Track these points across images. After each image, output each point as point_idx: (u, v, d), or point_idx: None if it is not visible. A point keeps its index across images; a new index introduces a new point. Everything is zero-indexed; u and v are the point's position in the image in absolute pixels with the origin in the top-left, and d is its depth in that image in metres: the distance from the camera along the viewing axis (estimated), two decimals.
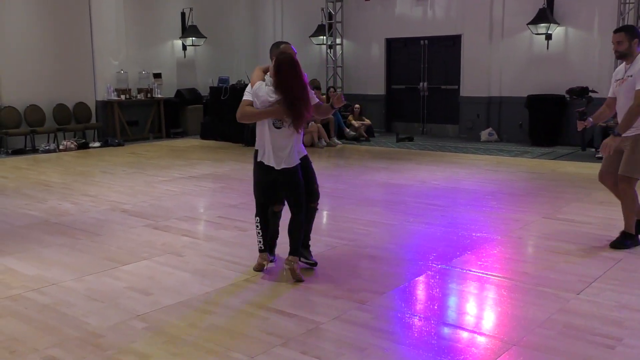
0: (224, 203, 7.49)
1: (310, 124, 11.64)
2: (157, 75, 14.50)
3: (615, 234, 5.49)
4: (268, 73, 4.63)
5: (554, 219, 6.48)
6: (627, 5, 11.26)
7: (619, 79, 5.29)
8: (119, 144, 13.02)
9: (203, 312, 4.14)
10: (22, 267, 5.07)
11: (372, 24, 14.70)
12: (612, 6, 11.41)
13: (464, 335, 3.80)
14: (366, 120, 13.72)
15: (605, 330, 3.75)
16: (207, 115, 14.52)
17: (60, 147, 12.29)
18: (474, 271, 4.91)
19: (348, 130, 13.40)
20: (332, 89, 13.51)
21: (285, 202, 4.94)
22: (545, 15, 11.90)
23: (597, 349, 3.52)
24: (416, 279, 4.78)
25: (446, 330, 3.87)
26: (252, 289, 4.56)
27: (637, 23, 10.89)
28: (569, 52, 12.14)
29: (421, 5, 13.95)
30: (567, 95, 11.23)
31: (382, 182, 8.80)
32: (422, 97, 14.41)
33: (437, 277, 4.82)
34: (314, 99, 4.88)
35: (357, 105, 13.84)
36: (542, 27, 12.02)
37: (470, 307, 4.28)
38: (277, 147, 4.59)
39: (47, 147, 12.11)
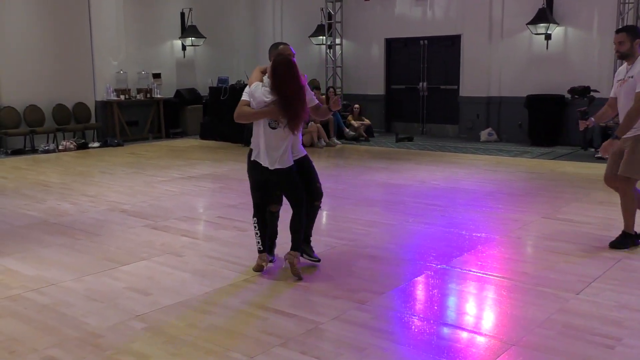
0: (223, 203, 7.48)
1: (309, 124, 11.66)
2: (157, 76, 14.50)
3: (614, 234, 5.49)
4: (267, 74, 4.65)
5: (554, 219, 6.48)
6: (627, 5, 11.27)
7: (621, 80, 5.28)
8: (118, 144, 13.01)
9: (202, 312, 4.14)
10: (22, 268, 5.07)
11: (371, 24, 14.69)
12: (611, 6, 11.42)
13: (464, 335, 3.79)
14: (366, 120, 13.72)
15: (604, 330, 3.75)
16: (207, 115, 14.52)
17: (60, 147, 12.29)
18: (474, 271, 4.91)
19: (347, 130, 13.39)
20: (331, 89, 13.51)
21: (282, 203, 4.97)
22: (544, 15, 11.90)
23: (596, 348, 3.52)
24: (415, 279, 4.78)
25: (445, 330, 3.86)
26: (251, 289, 4.56)
27: (637, 23, 10.89)
28: (568, 52, 12.14)
29: (421, 6, 13.95)
30: (568, 95, 11.23)
31: (382, 182, 8.80)
32: (421, 97, 14.41)
33: (437, 277, 4.82)
34: (313, 100, 4.90)
35: (356, 105, 13.84)
36: (541, 27, 12.02)
37: (470, 307, 4.28)
38: (271, 147, 4.62)
39: (46, 147, 12.10)
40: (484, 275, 4.81)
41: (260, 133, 4.66)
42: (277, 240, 5.15)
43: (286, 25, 16.19)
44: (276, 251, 5.16)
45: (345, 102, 14.23)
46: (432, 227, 6.27)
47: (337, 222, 6.54)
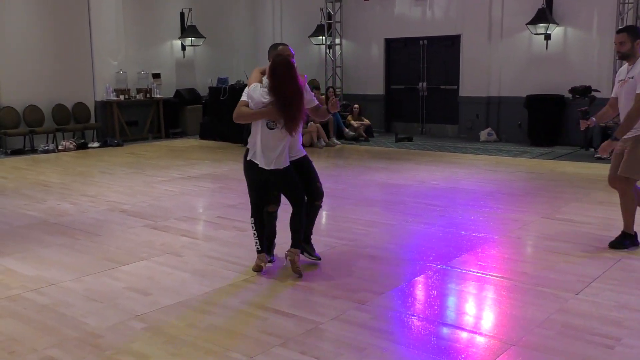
0: (222, 203, 7.48)
1: (309, 124, 11.65)
2: (156, 76, 14.49)
3: (614, 234, 5.49)
4: (266, 75, 4.67)
5: (553, 219, 6.48)
6: (626, 5, 11.27)
7: (621, 80, 5.28)
8: (118, 144, 13.01)
9: (202, 312, 4.14)
10: (21, 268, 5.07)
11: (371, 24, 14.69)
12: (611, 6, 11.42)
13: (463, 335, 3.80)
14: (365, 120, 13.72)
15: (604, 330, 3.76)
16: (206, 115, 14.52)
17: (59, 147, 12.28)
18: (473, 271, 4.91)
19: (347, 130, 13.39)
20: (331, 89, 13.51)
21: (280, 203, 4.99)
22: (544, 15, 11.91)
23: (596, 348, 3.53)
24: (415, 279, 4.78)
25: (445, 331, 3.87)
26: (251, 289, 4.56)
27: (637, 23, 10.90)
28: (568, 52, 12.14)
29: (420, 6, 13.95)
30: (569, 95, 11.23)
31: (382, 182, 8.80)
32: (421, 97, 14.41)
33: (436, 277, 4.82)
34: (313, 100, 4.91)
35: (356, 105, 13.84)
36: (541, 27, 12.02)
37: (469, 307, 4.29)
38: (268, 147, 4.64)
39: (46, 148, 12.10)
40: (484, 276, 4.81)
41: (258, 133, 4.67)
42: (278, 240, 5.15)
43: (286, 25, 16.19)
44: (276, 251, 5.16)
45: (344, 102, 14.24)
46: (432, 227, 6.27)
47: (337, 222, 6.54)
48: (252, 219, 4.87)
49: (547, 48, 12.25)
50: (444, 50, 13.91)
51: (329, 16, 14.87)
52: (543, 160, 10.53)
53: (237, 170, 9.63)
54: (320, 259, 5.09)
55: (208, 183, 8.89)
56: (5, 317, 4.06)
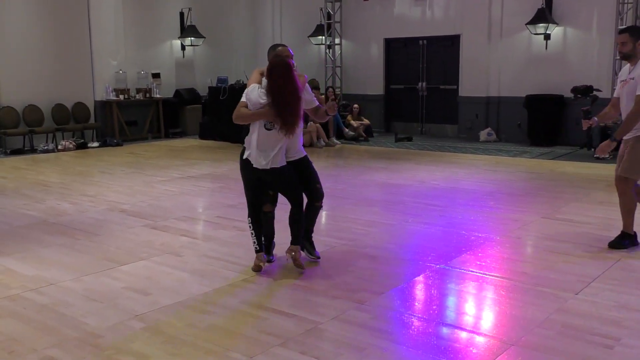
0: (222, 203, 7.48)
1: (309, 123, 11.65)
2: (156, 75, 14.49)
3: (614, 234, 5.49)
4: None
5: (553, 219, 6.48)
6: (626, 5, 11.27)
7: (623, 80, 5.28)
8: (117, 144, 13.01)
9: (201, 312, 4.14)
10: (21, 267, 5.07)
11: (370, 24, 14.69)
12: (610, 6, 11.43)
13: (463, 335, 3.80)
14: (365, 120, 13.72)
15: (604, 330, 3.76)
16: (206, 115, 14.51)
17: (59, 147, 12.28)
18: (473, 271, 4.91)
19: (347, 130, 13.39)
20: (330, 89, 13.51)
21: (276, 204, 5.01)
22: (543, 15, 11.91)
23: (595, 348, 3.53)
24: (415, 279, 4.78)
25: (445, 330, 3.86)
26: (250, 289, 4.56)
27: (636, 23, 10.90)
28: (567, 52, 12.14)
29: (420, 5, 13.95)
30: (570, 95, 11.22)
31: (381, 182, 8.79)
32: (421, 97, 14.41)
33: (436, 277, 4.82)
34: (314, 101, 4.92)
35: (355, 105, 13.84)
36: (540, 27, 12.02)
37: (469, 307, 4.29)
38: (264, 148, 4.65)
39: (45, 147, 12.10)
40: (484, 275, 4.81)
41: (255, 133, 4.69)
42: (278, 240, 5.16)
43: (285, 25, 16.18)
44: (276, 251, 5.16)
45: (344, 102, 14.24)
46: (432, 227, 6.27)
47: (337, 222, 6.54)
48: (249, 218, 4.87)
49: (546, 48, 12.25)
50: (444, 50, 13.91)
51: (329, 16, 14.87)
52: (543, 160, 10.53)
53: (236, 170, 9.54)
54: (319, 258, 5.10)
55: (208, 183, 8.89)
56: (5, 317, 4.06)
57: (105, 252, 5.50)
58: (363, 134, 13.32)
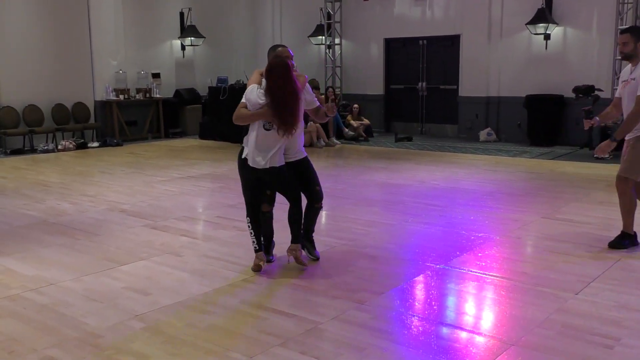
0: (222, 203, 7.48)
1: (309, 123, 11.65)
2: (156, 75, 14.49)
3: (614, 234, 5.49)
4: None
5: (553, 219, 6.48)
6: (626, 5, 11.27)
7: (624, 81, 5.27)
8: (117, 144, 13.01)
9: (201, 312, 4.14)
10: (21, 267, 5.07)
11: (370, 24, 14.69)
12: (610, 6, 11.42)
13: (463, 335, 3.80)
14: (365, 120, 13.72)
15: (604, 330, 3.76)
16: (206, 115, 14.51)
17: (59, 147, 12.28)
18: (473, 271, 4.91)
19: (347, 130, 13.39)
20: (330, 89, 13.51)
21: (274, 204, 5.01)
22: (543, 15, 11.90)
23: (595, 348, 3.53)
24: (415, 279, 4.78)
25: (445, 330, 3.87)
26: (250, 289, 4.56)
27: (636, 23, 10.90)
28: (567, 52, 12.14)
29: (420, 5, 13.95)
30: (572, 94, 11.21)
31: (381, 182, 8.79)
32: (420, 97, 14.41)
33: (436, 277, 4.82)
34: (315, 102, 4.92)
35: (355, 105, 13.84)
36: (540, 27, 12.02)
37: (469, 307, 4.29)
38: (262, 148, 4.67)
39: (45, 147, 12.10)
40: (483, 275, 4.81)
41: (254, 133, 4.70)
42: (278, 240, 5.16)
43: (285, 25, 16.18)
44: (275, 251, 5.16)
45: (344, 102, 14.24)
46: (432, 227, 6.27)
47: (337, 222, 6.54)
48: (248, 218, 4.87)
49: (546, 48, 12.25)
50: (444, 50, 13.91)
51: (329, 16, 14.87)
52: (543, 160, 10.53)
53: (236, 170, 9.61)
54: (319, 258, 5.10)
55: (207, 183, 8.89)
56: (5, 317, 4.06)
57: (105, 252, 5.50)
58: (363, 134, 13.32)
